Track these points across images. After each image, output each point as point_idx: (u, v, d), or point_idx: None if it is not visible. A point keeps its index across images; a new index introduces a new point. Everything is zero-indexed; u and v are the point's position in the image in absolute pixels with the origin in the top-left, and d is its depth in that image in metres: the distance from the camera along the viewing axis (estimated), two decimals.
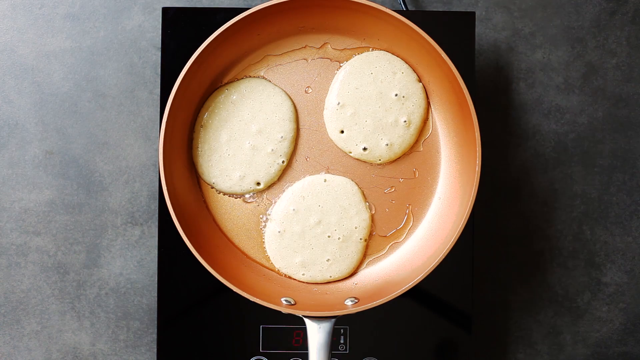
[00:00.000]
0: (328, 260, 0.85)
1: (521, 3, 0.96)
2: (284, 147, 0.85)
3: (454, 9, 0.96)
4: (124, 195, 0.95)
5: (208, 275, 0.78)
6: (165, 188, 0.79)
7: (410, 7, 0.96)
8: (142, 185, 0.95)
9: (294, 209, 0.85)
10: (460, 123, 0.83)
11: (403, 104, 0.85)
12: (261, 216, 0.86)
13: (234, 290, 0.78)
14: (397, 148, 0.85)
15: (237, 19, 0.80)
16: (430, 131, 0.86)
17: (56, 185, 0.95)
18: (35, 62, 0.95)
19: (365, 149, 0.85)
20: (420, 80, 0.86)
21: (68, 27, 0.95)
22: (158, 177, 0.94)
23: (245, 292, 0.78)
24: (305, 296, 0.84)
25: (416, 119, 0.85)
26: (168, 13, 0.88)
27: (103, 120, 0.95)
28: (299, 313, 0.78)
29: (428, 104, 0.86)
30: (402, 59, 0.86)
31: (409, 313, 0.89)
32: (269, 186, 0.86)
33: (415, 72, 0.85)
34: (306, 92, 0.86)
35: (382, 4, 0.83)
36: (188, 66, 0.80)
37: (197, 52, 0.80)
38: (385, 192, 0.86)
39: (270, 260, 0.85)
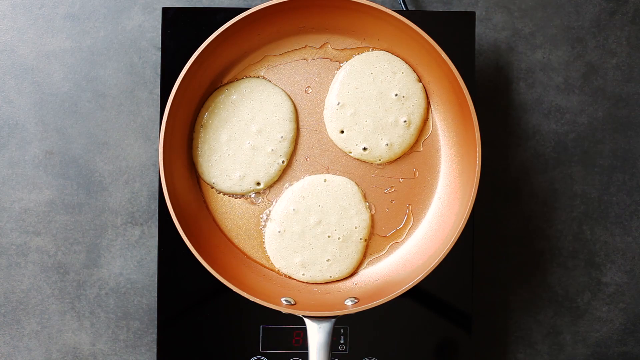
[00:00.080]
0: (328, 260, 0.84)
1: (521, 3, 0.96)
2: (284, 147, 0.85)
3: (454, 9, 0.96)
4: (124, 195, 0.95)
5: (208, 275, 0.78)
6: (165, 188, 0.79)
7: (410, 7, 0.95)
8: (142, 185, 0.95)
9: (294, 209, 0.85)
10: (460, 123, 0.83)
11: (403, 104, 0.85)
12: (261, 216, 0.86)
13: (234, 290, 0.78)
14: (397, 148, 0.85)
15: (237, 19, 0.80)
16: (430, 131, 0.86)
17: (56, 185, 0.95)
18: (35, 62, 0.95)
19: (365, 149, 0.85)
20: (420, 80, 0.85)
21: (68, 27, 0.95)
22: (158, 177, 0.94)
23: (245, 292, 0.78)
24: (305, 296, 0.84)
25: (416, 119, 0.85)
26: (168, 13, 0.88)
27: (103, 120, 0.95)
28: (299, 313, 0.78)
29: (428, 104, 0.86)
30: (402, 59, 0.86)
31: (409, 313, 0.88)
32: (269, 186, 0.86)
33: (415, 72, 0.85)
34: (306, 92, 0.86)
35: (382, 4, 0.83)
36: (188, 66, 0.79)
37: (197, 52, 0.80)
38: (385, 192, 0.86)
39: (270, 260, 0.85)
